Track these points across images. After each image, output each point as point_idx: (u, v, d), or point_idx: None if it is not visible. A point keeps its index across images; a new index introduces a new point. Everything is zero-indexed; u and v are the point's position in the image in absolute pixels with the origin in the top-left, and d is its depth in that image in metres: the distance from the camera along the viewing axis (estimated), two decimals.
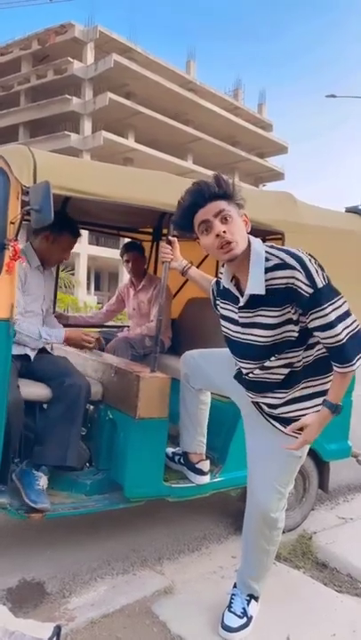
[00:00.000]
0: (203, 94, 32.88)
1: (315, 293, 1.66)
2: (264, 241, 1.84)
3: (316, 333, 1.73)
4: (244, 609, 2.12)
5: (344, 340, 1.68)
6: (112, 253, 26.50)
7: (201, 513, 3.18)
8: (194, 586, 2.43)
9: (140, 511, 2.77)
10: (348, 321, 1.69)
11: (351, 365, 1.71)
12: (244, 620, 2.10)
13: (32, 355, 2.65)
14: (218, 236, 1.70)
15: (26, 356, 2.62)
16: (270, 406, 1.94)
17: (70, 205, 3.08)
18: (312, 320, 1.70)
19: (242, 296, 1.79)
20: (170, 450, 2.67)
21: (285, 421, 1.93)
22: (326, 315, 1.67)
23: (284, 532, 3.01)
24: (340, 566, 2.73)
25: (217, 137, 33.23)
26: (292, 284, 1.67)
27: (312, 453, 3.14)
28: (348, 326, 1.69)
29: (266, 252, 1.75)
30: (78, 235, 2.94)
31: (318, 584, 2.54)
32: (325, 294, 1.67)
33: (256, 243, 1.78)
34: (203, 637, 2.06)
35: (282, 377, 1.85)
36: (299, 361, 1.83)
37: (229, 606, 2.15)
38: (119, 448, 2.57)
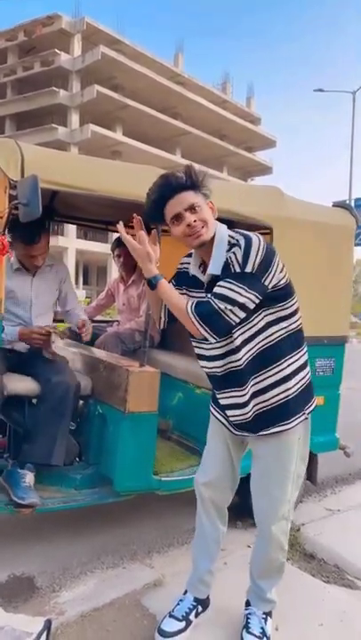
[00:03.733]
0: (191, 87, 32.76)
1: (239, 274, 1.72)
2: None
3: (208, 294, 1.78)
4: (262, 629, 2.00)
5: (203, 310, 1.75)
6: (100, 247, 26.39)
7: (191, 506, 3.17)
8: (183, 578, 2.43)
9: (130, 505, 2.78)
10: (221, 303, 1.72)
11: (190, 318, 1.76)
12: None
13: (22, 349, 2.63)
14: (189, 225, 1.76)
15: (17, 351, 2.62)
16: (237, 409, 1.91)
17: (58, 199, 3.06)
18: (216, 286, 1.74)
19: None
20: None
21: (257, 421, 1.90)
22: (224, 292, 1.72)
23: None
24: (327, 557, 2.76)
25: (205, 131, 33.16)
26: (230, 258, 1.75)
27: None
28: (220, 303, 1.73)
29: (229, 235, 1.81)
30: (32, 242, 2.68)
31: (306, 575, 2.57)
32: (241, 278, 1.72)
33: (221, 227, 1.83)
34: (193, 630, 2.07)
35: (237, 363, 1.85)
36: (252, 344, 1.83)
37: (247, 627, 2.01)
38: (109, 442, 2.58)
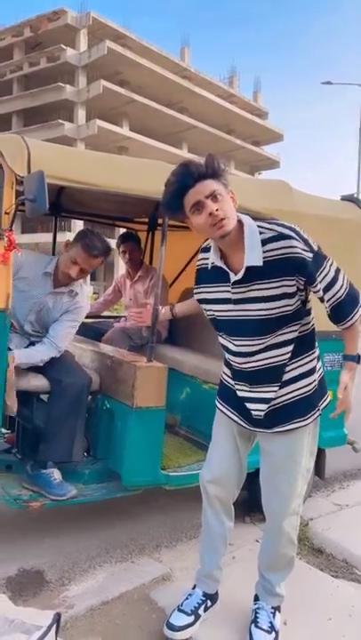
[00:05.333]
0: (198, 82, 32.58)
1: (315, 256, 1.73)
2: None
3: (324, 296, 1.78)
4: (271, 623, 2.00)
5: (343, 296, 1.79)
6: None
7: (198, 501, 3.18)
8: (192, 573, 2.44)
9: (138, 500, 2.79)
10: (341, 276, 1.80)
11: (351, 319, 1.81)
12: (273, 635, 1.97)
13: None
14: (211, 214, 1.68)
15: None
16: (264, 403, 1.88)
17: (65, 195, 3.06)
18: (319, 282, 1.75)
19: (234, 273, 1.77)
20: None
21: (274, 417, 1.89)
22: (329, 272, 1.76)
23: None
24: (335, 552, 2.76)
25: (212, 125, 32.99)
26: (293, 252, 1.70)
27: None
28: (344, 281, 1.80)
29: (258, 225, 1.77)
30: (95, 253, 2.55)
31: (315, 570, 2.57)
32: (322, 255, 1.76)
33: (247, 218, 1.78)
34: (200, 624, 2.08)
35: (278, 359, 1.83)
36: (294, 337, 1.83)
37: (255, 622, 2.01)
38: (117, 437, 2.58)
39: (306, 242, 1.73)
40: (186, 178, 1.70)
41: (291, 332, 1.81)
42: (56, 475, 2.49)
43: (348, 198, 3.49)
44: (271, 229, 1.74)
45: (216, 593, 2.16)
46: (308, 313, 1.88)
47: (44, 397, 2.62)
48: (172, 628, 1.99)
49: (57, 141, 2.91)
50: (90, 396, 2.75)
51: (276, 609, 2.07)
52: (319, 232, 3.05)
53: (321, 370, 1.96)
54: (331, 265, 1.77)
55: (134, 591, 2.29)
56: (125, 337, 3.54)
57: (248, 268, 1.73)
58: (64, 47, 27.70)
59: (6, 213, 2.15)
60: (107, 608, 2.16)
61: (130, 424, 2.49)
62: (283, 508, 1.95)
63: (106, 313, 4.47)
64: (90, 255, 2.54)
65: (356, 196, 3.50)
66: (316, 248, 1.75)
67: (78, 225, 25.60)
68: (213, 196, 1.68)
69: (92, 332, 3.63)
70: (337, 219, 3.19)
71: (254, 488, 3.03)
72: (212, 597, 2.14)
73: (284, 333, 1.80)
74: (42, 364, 2.56)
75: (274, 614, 2.04)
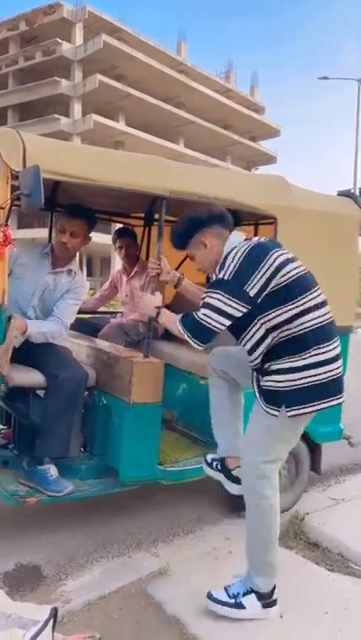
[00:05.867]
0: (194, 76, 32.41)
1: (216, 280, 1.99)
2: (257, 225, 1.87)
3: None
4: (237, 594, 2.09)
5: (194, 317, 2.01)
6: (104, 238, 26.24)
7: (196, 495, 3.21)
8: (188, 567, 2.46)
9: (135, 495, 2.80)
10: (203, 311, 1.98)
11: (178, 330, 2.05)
12: (232, 601, 2.07)
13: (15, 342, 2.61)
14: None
15: None
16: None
17: (60, 190, 3.04)
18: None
19: None
20: (209, 456, 2.44)
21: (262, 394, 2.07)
22: (208, 297, 1.99)
23: None
24: (331, 546, 2.77)
25: (209, 120, 32.86)
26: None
27: (304, 435, 3.17)
28: (201, 312, 2.00)
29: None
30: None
31: (310, 564, 2.58)
32: (217, 284, 1.97)
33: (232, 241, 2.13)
34: (198, 618, 2.09)
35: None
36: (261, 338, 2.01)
37: (228, 585, 2.15)
38: (114, 433, 2.58)
39: (222, 265, 1.99)
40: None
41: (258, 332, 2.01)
42: (52, 471, 2.49)
43: (345, 194, 3.49)
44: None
45: (273, 593, 2.13)
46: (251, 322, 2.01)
47: (41, 393, 2.61)
48: (210, 597, 2.10)
49: (53, 136, 2.91)
50: (86, 392, 2.75)
51: (254, 592, 2.09)
52: (316, 227, 3.07)
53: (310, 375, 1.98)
54: (209, 294, 1.99)
55: (131, 586, 2.29)
56: (122, 333, 3.53)
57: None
58: (60, 41, 27.49)
59: (1, 208, 2.14)
60: (103, 603, 2.17)
61: (126, 420, 2.49)
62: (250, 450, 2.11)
63: (102, 309, 4.46)
64: (71, 216, 2.70)
65: (352, 191, 3.50)
66: (221, 276, 1.97)
67: None
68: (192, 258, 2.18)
69: (88, 327, 3.62)
70: (334, 214, 3.19)
71: None
72: (262, 596, 2.11)
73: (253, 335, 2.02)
74: (51, 340, 2.65)
75: (246, 593, 2.08)
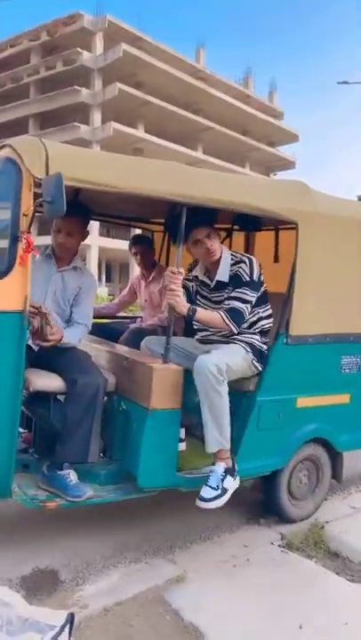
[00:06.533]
0: (213, 83, 32.52)
1: (249, 281, 2.69)
2: (277, 230, 1.87)
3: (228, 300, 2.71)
4: (218, 484, 2.44)
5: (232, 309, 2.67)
6: (123, 245, 26.38)
7: None
8: (206, 574, 2.44)
9: (153, 501, 2.79)
10: (240, 304, 2.67)
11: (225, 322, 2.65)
12: (219, 491, 2.43)
13: (34, 346, 2.65)
14: (207, 249, 2.73)
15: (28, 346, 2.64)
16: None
17: (82, 196, 3.07)
18: (237, 292, 2.69)
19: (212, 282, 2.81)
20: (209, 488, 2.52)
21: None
22: (242, 294, 2.68)
23: (296, 522, 3.03)
24: (352, 555, 2.73)
25: (227, 126, 32.91)
26: (237, 270, 2.71)
27: (325, 444, 3.14)
28: (240, 304, 2.68)
29: (231, 254, 2.79)
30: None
31: (330, 573, 2.54)
32: (251, 285, 2.70)
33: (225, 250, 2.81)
34: (215, 625, 2.08)
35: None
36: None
37: (206, 481, 2.46)
38: (133, 439, 2.58)
39: (251, 268, 2.72)
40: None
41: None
42: (72, 476, 2.50)
43: None
44: (237, 256, 2.79)
45: (233, 467, 2.56)
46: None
47: (62, 398, 2.63)
48: (203, 499, 2.43)
49: (73, 143, 2.94)
50: (106, 397, 2.76)
51: (228, 473, 2.48)
52: (338, 233, 3.04)
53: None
54: (245, 291, 2.70)
55: (148, 592, 2.28)
56: (141, 337, 3.54)
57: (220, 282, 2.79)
58: (80, 50, 27.85)
59: (24, 215, 2.16)
60: (120, 609, 2.17)
61: (145, 426, 2.48)
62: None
63: (122, 314, 4.49)
64: (66, 215, 2.63)
65: None
66: (255, 277, 2.73)
67: (93, 226, 25.79)
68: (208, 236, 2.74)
69: (108, 332, 3.64)
70: (356, 219, 3.16)
71: (269, 490, 3.03)
72: (230, 471, 2.52)
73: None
74: (78, 343, 2.74)
75: (224, 478, 2.46)
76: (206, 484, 2.46)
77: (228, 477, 2.50)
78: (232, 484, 2.52)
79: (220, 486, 2.46)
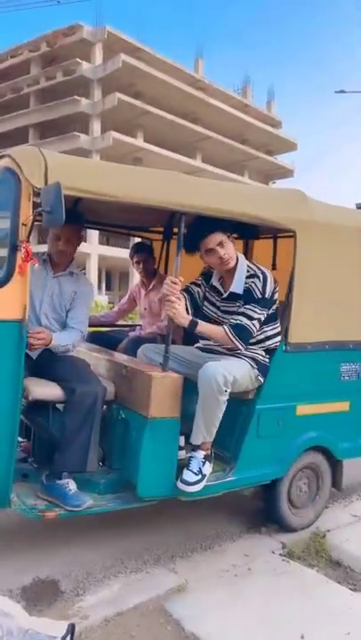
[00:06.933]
0: (211, 93, 32.76)
1: (260, 298, 2.63)
2: (275, 239, 1.87)
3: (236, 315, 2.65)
4: (199, 468, 2.53)
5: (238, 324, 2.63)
6: (122, 253, 26.49)
7: (213, 511, 3.18)
8: (207, 584, 2.43)
9: (153, 510, 2.78)
10: (247, 321, 2.62)
11: (230, 338, 2.63)
12: (200, 476, 2.53)
13: (32, 355, 2.65)
14: (220, 257, 2.66)
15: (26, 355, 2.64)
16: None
17: (81, 206, 3.09)
18: (245, 308, 2.63)
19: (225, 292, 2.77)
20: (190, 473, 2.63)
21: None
22: (251, 311, 2.63)
23: (296, 531, 3.02)
24: (354, 564, 2.71)
25: (226, 135, 33.11)
26: (250, 285, 2.65)
27: (325, 452, 3.13)
28: (247, 321, 2.63)
29: (247, 265, 2.71)
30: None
31: (332, 582, 2.53)
32: (262, 302, 2.64)
33: (241, 257, 2.75)
34: (216, 635, 2.06)
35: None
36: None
37: (187, 465, 2.54)
38: (132, 448, 2.58)
39: (264, 285, 2.65)
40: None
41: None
42: (71, 485, 2.49)
43: None
44: (253, 269, 2.70)
45: (211, 454, 2.65)
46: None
47: (61, 407, 2.63)
48: (185, 482, 2.50)
49: (72, 153, 2.97)
50: (105, 406, 2.75)
51: (207, 459, 2.58)
52: (335, 241, 3.05)
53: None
54: (255, 310, 2.64)
55: (149, 602, 2.27)
56: (140, 346, 3.54)
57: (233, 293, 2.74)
58: (80, 61, 28.09)
59: (23, 225, 2.17)
60: (121, 619, 2.15)
61: (144, 435, 2.48)
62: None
63: (121, 322, 4.49)
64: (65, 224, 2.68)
65: None
66: (266, 295, 2.66)
67: (93, 235, 25.87)
68: (221, 244, 2.65)
69: (107, 341, 3.64)
70: (353, 227, 3.17)
71: (269, 499, 3.01)
72: (209, 458, 2.62)
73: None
74: (71, 350, 2.75)
75: (204, 463, 2.56)
76: (188, 468, 2.54)
77: (207, 463, 2.60)
78: (209, 469, 2.63)
79: (201, 471, 2.55)
